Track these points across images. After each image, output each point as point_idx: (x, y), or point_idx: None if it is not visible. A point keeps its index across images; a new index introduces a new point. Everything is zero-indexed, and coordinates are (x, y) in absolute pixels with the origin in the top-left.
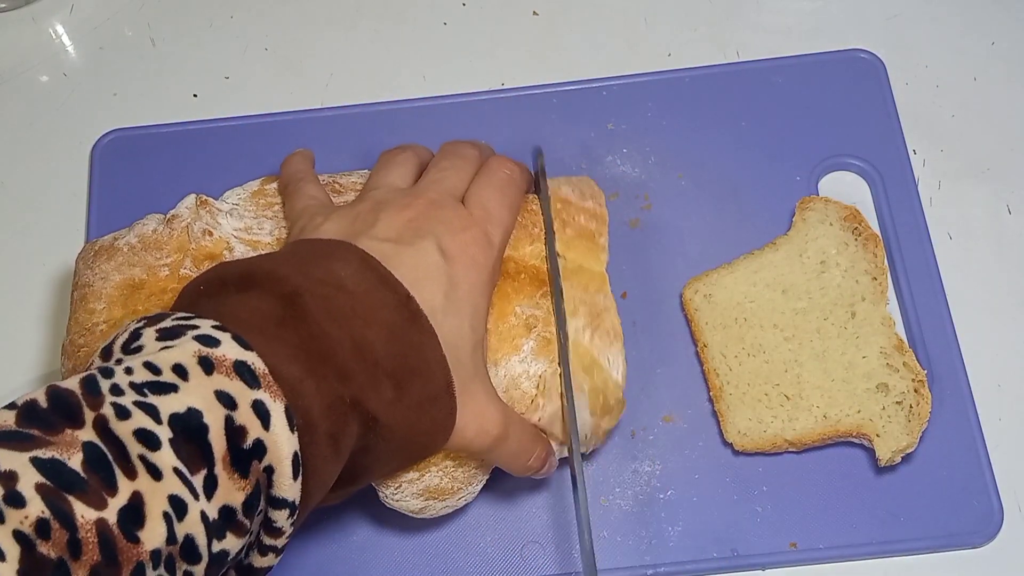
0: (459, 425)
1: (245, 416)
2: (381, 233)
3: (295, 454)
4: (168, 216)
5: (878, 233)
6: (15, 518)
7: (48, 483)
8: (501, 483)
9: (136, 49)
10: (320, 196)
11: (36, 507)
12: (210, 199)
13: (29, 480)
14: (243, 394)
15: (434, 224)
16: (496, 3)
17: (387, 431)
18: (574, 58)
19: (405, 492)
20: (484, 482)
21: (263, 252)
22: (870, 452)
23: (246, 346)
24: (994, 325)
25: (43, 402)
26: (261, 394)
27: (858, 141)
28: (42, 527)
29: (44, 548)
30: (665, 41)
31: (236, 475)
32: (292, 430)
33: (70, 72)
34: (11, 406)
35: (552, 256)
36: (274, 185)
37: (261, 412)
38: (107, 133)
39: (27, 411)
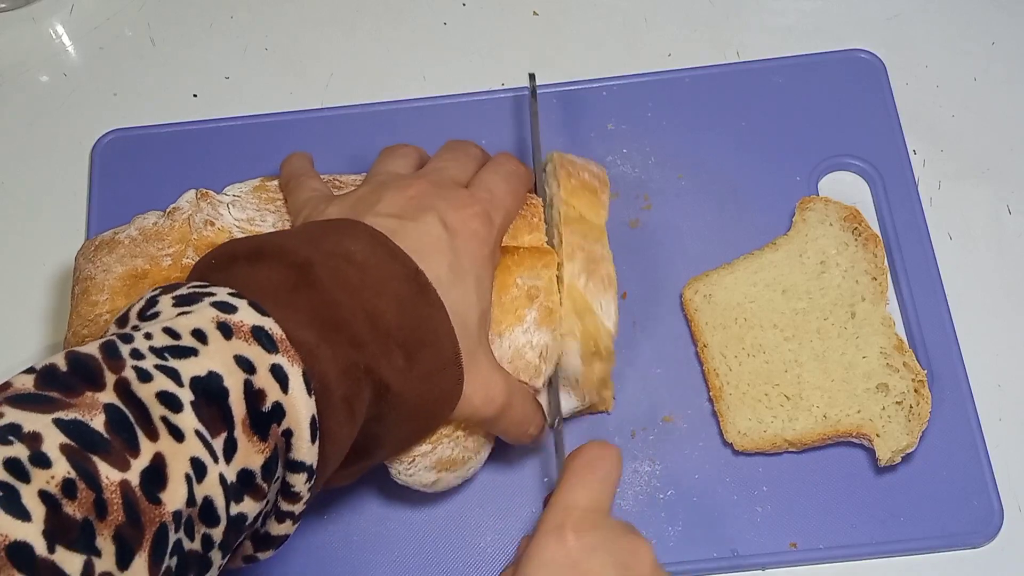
0: (467, 393)
1: (264, 380)
2: (384, 210)
3: (313, 417)
4: (168, 209)
5: (878, 233)
6: (41, 478)
7: (72, 444)
8: (501, 482)
9: (136, 49)
10: (322, 189)
11: (62, 467)
12: (210, 192)
13: (54, 441)
14: (261, 358)
15: (436, 200)
16: (496, 3)
17: (398, 399)
18: (574, 58)
19: (418, 466)
20: (490, 450)
21: None
22: (870, 452)
23: (263, 312)
24: (994, 325)
25: (62, 366)
26: (279, 358)
27: (858, 141)
28: (68, 487)
29: (70, 508)
30: (665, 41)
31: (256, 438)
32: (310, 394)
33: (70, 72)
34: (29, 370)
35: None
36: (275, 182)
37: (279, 376)
38: (107, 133)
39: (47, 375)
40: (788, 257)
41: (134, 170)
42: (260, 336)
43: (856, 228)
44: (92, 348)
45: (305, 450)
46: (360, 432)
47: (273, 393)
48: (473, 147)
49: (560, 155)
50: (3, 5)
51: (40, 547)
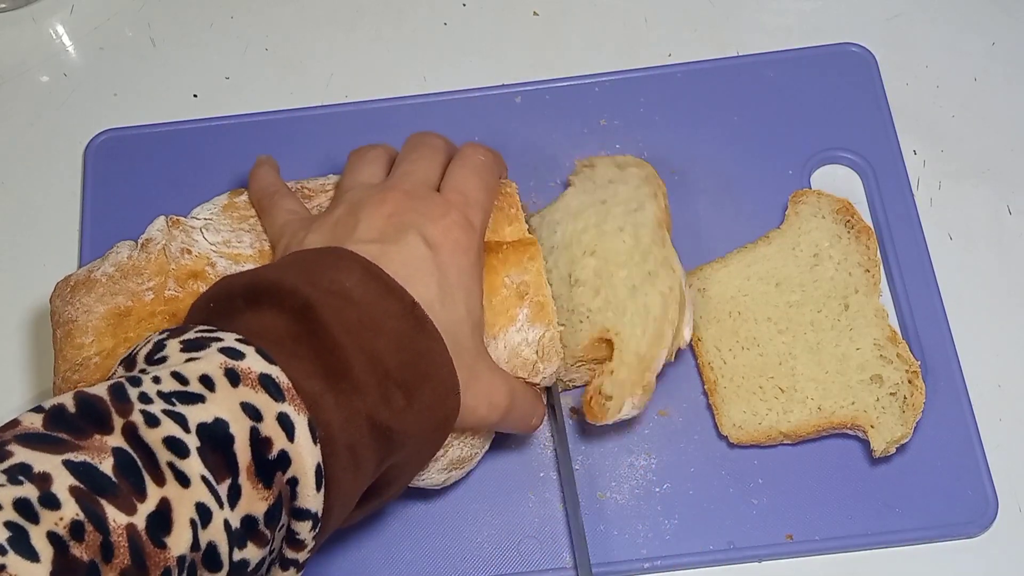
0: (472, 405)
1: (270, 428)
2: (364, 235)
3: (318, 466)
4: (141, 241)
5: (870, 226)
6: (50, 520)
7: (81, 486)
8: (496, 477)
9: (136, 49)
10: (298, 209)
11: (71, 509)
12: (181, 218)
13: (63, 482)
14: (268, 406)
15: (414, 216)
16: (496, 3)
17: (402, 437)
18: (574, 58)
19: (431, 470)
20: (492, 438)
21: (246, 265)
22: (865, 443)
23: (270, 360)
24: (994, 325)
25: (71, 407)
26: (286, 407)
27: (850, 134)
28: (76, 529)
29: (77, 550)
30: (665, 41)
31: (260, 485)
32: (315, 442)
33: (70, 72)
34: (38, 409)
35: None
36: (244, 198)
37: (286, 424)
38: (100, 133)
39: (55, 415)
40: (781, 250)
41: (128, 170)
42: (267, 384)
43: (849, 221)
44: (100, 390)
45: (310, 498)
46: (377, 478)
47: (279, 441)
48: (436, 138)
49: (642, 164)
50: (3, 5)
51: None
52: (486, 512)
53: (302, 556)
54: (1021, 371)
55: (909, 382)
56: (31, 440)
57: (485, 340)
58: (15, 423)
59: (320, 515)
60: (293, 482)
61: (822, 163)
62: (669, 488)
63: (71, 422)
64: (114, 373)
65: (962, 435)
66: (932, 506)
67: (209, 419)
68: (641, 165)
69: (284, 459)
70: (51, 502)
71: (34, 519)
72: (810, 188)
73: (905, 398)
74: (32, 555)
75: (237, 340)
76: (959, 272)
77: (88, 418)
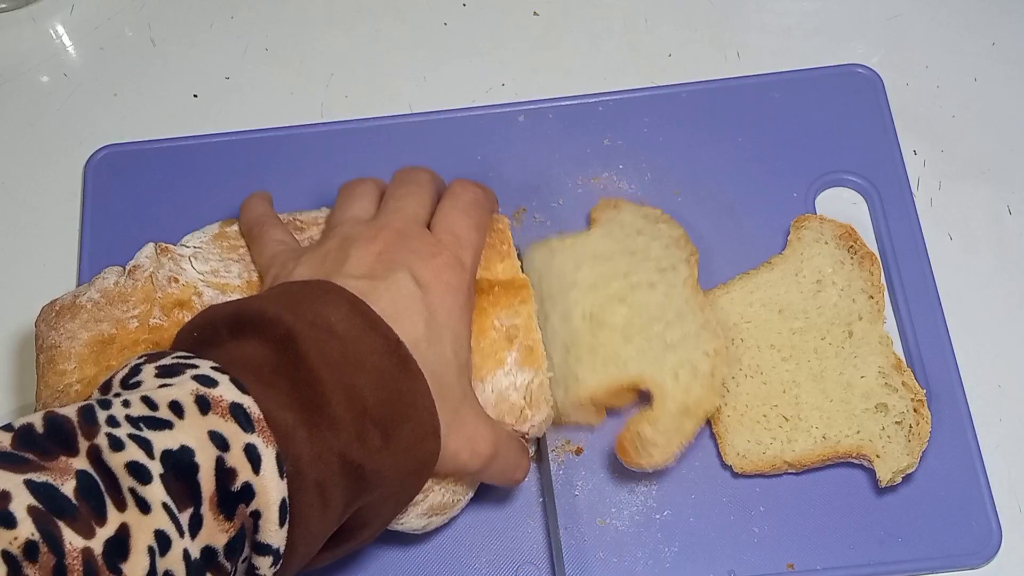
0: (453, 450)
1: (236, 459)
2: (354, 270)
3: (283, 500)
4: (128, 267)
5: (874, 251)
6: (5, 538)
7: (40, 506)
8: (497, 504)
9: (136, 49)
10: (287, 240)
11: (26, 529)
12: (170, 246)
13: (22, 502)
14: (236, 437)
15: (405, 254)
16: (496, 3)
17: (376, 477)
18: (574, 58)
19: (410, 514)
20: (477, 487)
21: (233, 295)
22: (870, 472)
23: (243, 389)
24: (993, 325)
25: (39, 427)
26: (254, 438)
27: (856, 157)
28: (30, 549)
29: (30, 571)
30: (665, 42)
31: (221, 516)
32: (281, 476)
33: (70, 72)
34: (7, 428)
35: None
36: (235, 227)
37: (252, 456)
38: (100, 148)
39: (23, 435)
40: (784, 276)
41: (130, 187)
42: (238, 414)
43: (852, 246)
44: (70, 411)
45: (273, 533)
46: (347, 520)
47: (244, 473)
48: (424, 173)
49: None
50: (3, 5)
51: None
52: (484, 538)
53: None
54: (1021, 371)
55: (915, 411)
56: None
57: (472, 383)
58: None
59: (282, 551)
60: (256, 515)
61: (827, 185)
62: (669, 515)
63: (38, 442)
64: (91, 396)
65: (966, 465)
66: (935, 536)
67: (175, 446)
68: (672, 224)
69: (248, 491)
70: (7, 521)
71: None
72: (815, 211)
73: (911, 427)
74: None
75: (212, 368)
76: (959, 272)
77: (55, 439)
